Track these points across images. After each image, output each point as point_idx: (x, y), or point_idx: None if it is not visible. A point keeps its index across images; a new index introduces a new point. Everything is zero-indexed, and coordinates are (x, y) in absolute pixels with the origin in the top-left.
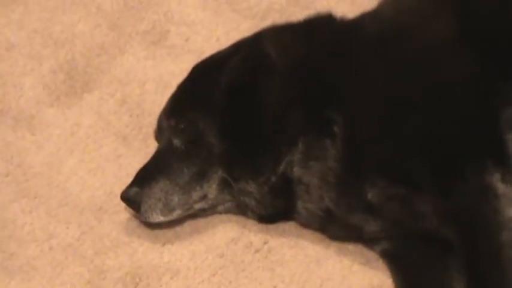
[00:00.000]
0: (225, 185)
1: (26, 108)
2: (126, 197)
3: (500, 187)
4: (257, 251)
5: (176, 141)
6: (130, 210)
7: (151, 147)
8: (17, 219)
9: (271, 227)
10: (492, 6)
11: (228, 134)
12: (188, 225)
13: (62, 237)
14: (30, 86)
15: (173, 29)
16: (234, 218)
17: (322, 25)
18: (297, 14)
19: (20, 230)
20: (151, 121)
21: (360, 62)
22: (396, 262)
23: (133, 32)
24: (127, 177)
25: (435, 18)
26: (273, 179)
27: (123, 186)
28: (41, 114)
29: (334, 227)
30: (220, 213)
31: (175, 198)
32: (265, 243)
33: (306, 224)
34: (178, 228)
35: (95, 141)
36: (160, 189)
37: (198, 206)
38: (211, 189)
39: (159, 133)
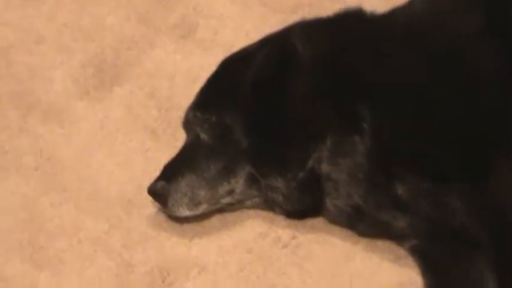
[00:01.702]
0: (252, 181)
1: (56, 102)
2: (153, 191)
3: None
4: (285, 246)
5: (203, 136)
6: (158, 204)
7: (179, 141)
8: (45, 213)
9: (299, 222)
10: None
11: (255, 129)
12: (216, 220)
13: (90, 230)
14: (60, 80)
15: (202, 23)
16: (262, 213)
17: (352, 20)
18: (327, 8)
19: (48, 223)
20: (180, 115)
21: (390, 56)
22: (425, 259)
23: (163, 25)
24: (155, 171)
25: (463, 15)
26: (301, 175)
27: (151, 180)
28: (70, 108)
29: (363, 223)
30: (248, 208)
31: (202, 193)
32: (293, 238)
33: (334, 221)
34: (206, 223)
35: (123, 135)
36: (187, 184)
37: (225, 200)
38: (239, 184)
39: (186, 127)
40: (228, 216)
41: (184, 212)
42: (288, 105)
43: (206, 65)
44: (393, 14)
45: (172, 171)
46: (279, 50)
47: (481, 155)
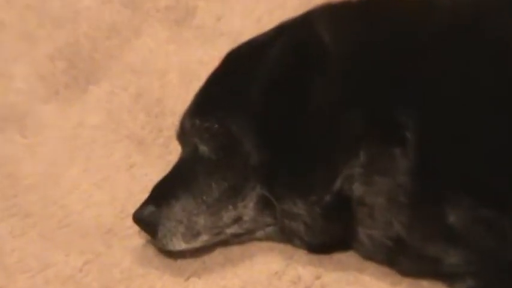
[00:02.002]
0: (265, 205)
1: (16, 104)
2: (140, 218)
3: None
4: None
5: (203, 149)
6: (146, 234)
7: (173, 154)
8: (4, 244)
9: (324, 258)
10: None
11: (269, 140)
12: (219, 255)
13: (60, 267)
14: (22, 76)
15: (202, 5)
16: (277, 246)
17: (389, 4)
18: None
19: (8, 257)
20: (173, 122)
21: (439, 49)
22: None
23: (153, 8)
24: (142, 192)
25: None
26: (327, 198)
27: (137, 204)
28: (34, 112)
29: (406, 259)
30: (259, 240)
31: (201, 221)
32: (317, 278)
33: (369, 255)
34: (206, 258)
35: (102, 147)
36: (183, 209)
37: (230, 230)
38: (248, 209)
39: (182, 137)
40: (234, 250)
41: (179, 245)
42: (311, 110)
43: (207, 59)
44: None
45: (163, 193)
46: (300, 41)
47: None
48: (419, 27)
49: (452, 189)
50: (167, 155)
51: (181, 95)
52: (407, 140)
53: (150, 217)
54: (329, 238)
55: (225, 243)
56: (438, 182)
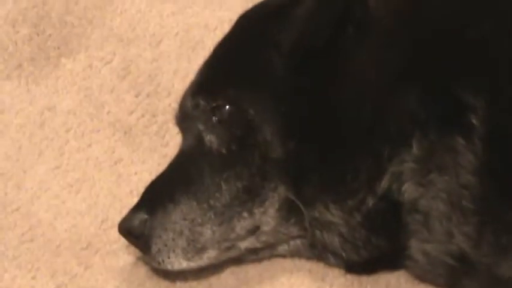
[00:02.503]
0: (290, 212)
1: None
2: (128, 229)
3: None
4: None
5: (210, 138)
6: (136, 249)
7: (169, 146)
8: None
9: (366, 280)
10: None
11: (297, 127)
12: (230, 276)
13: None
14: None
15: None
16: (305, 264)
17: None
18: None
19: None
20: (170, 103)
21: None
22: None
23: None
24: (130, 196)
25: None
26: (370, 202)
27: (124, 211)
28: None
29: (472, 281)
30: (283, 256)
31: (208, 232)
32: None
33: (424, 276)
34: (213, 281)
35: (79, 137)
36: (183, 217)
37: (245, 244)
38: (267, 217)
39: (182, 124)
40: (251, 271)
41: (179, 263)
42: (352, 87)
43: (213, 23)
44: None
45: (158, 197)
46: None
47: None
48: None
49: None
50: (162, 147)
51: (181, 69)
52: (475, 127)
53: (141, 227)
54: (373, 254)
55: (239, 261)
56: None
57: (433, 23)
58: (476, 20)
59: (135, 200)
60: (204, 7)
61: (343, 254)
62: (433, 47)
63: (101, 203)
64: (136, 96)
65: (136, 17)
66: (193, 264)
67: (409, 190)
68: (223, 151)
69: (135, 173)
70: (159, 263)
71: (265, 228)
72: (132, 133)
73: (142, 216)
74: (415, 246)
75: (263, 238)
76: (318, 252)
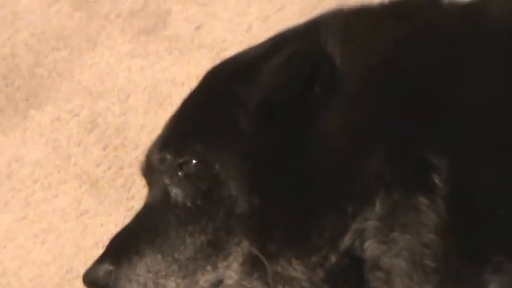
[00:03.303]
0: (253, 266)
1: None
2: (93, 280)
3: None
4: None
5: (176, 191)
6: None
7: (135, 199)
8: None
9: None
10: None
11: (262, 182)
12: None
13: None
14: None
15: (176, 9)
16: None
17: (418, 10)
18: None
19: None
20: (137, 157)
21: (483, 71)
22: None
23: (112, 13)
24: (95, 247)
25: None
26: (333, 259)
27: (89, 262)
28: None
29: None
30: None
31: (171, 284)
32: None
33: None
34: None
35: (46, 188)
36: (148, 269)
37: None
38: (231, 271)
39: (148, 177)
40: None
41: None
42: (317, 145)
43: (181, 78)
44: (485, 4)
45: (123, 248)
46: (304, 57)
47: None
48: (460, 41)
49: (493, 252)
50: (128, 200)
51: (148, 123)
52: (437, 187)
53: (106, 278)
54: None
55: None
56: (475, 243)
57: (397, 85)
58: (441, 83)
59: (100, 251)
60: (172, 63)
61: None
62: (398, 108)
63: (66, 253)
64: (104, 149)
65: (105, 71)
66: None
67: (371, 247)
68: (189, 205)
69: (101, 225)
70: None
71: (229, 281)
72: (99, 185)
73: (107, 267)
74: None
75: None
76: None
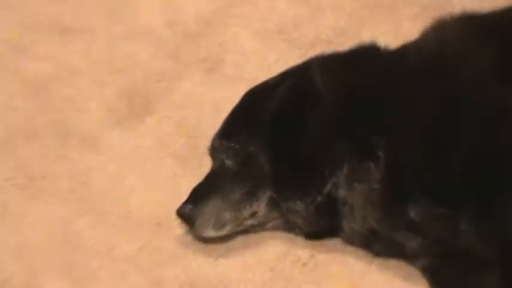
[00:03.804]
0: (273, 204)
1: (91, 130)
2: (181, 213)
3: None
4: (304, 264)
5: (228, 162)
6: (186, 225)
7: (205, 167)
8: (81, 233)
9: (318, 243)
10: None
11: (277, 157)
12: (240, 241)
13: (122, 249)
14: (95, 110)
15: (227, 58)
16: (282, 234)
17: (366, 54)
18: (344, 44)
19: (84, 243)
20: (206, 143)
21: (403, 91)
22: (436, 277)
23: (191, 60)
24: (183, 194)
25: (475, 50)
26: (319, 199)
27: (179, 203)
28: (104, 136)
29: (378, 244)
30: (269, 229)
31: (227, 215)
32: (312, 258)
33: (350, 241)
34: (230, 243)
35: (153, 162)
36: (213, 207)
37: (248, 222)
38: (261, 207)
39: (212, 154)
40: (251, 237)
41: (211, 233)
42: (308, 135)
43: (231, 97)
44: (406, 49)
45: (199, 195)
46: (299, 83)
47: (492, 185)
48: (390, 73)
49: (413, 193)
50: (201, 168)
51: (212, 123)
52: (380, 157)
53: (189, 213)
54: (320, 228)
55: (244, 232)
56: (402, 188)
57: (355, 100)
58: (379, 99)
59: (185, 197)
60: (226, 88)
61: (304, 228)
62: (355, 113)
63: (166, 199)
64: (187, 139)
65: (188, 93)
66: (219, 234)
67: (341, 192)
68: (236, 170)
69: (186, 182)
70: (199, 233)
71: (260, 213)
72: (184, 160)
73: (190, 206)
74: (345, 224)
75: (258, 219)
76: (289, 227)
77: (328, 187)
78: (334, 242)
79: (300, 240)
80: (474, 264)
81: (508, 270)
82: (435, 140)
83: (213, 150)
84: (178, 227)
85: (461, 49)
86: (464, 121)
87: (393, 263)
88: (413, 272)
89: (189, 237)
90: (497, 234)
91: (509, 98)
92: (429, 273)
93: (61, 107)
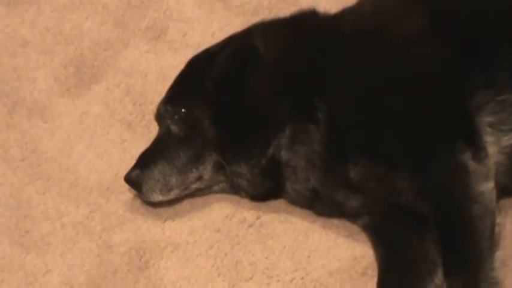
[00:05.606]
0: (219, 167)
1: (39, 99)
2: (129, 179)
3: (471, 164)
4: (250, 225)
5: (174, 128)
6: (134, 190)
7: (153, 132)
8: (31, 200)
9: (262, 204)
10: (457, 3)
11: (221, 120)
12: (187, 203)
13: (72, 215)
14: (43, 79)
15: (172, 26)
16: (228, 196)
17: (306, 20)
18: (285, 10)
19: (34, 209)
20: (153, 109)
21: (340, 53)
22: (376, 234)
23: (136, 28)
24: (131, 160)
25: (406, 15)
26: (263, 161)
27: (128, 169)
28: (52, 104)
29: (320, 204)
30: (215, 192)
31: (173, 180)
32: (257, 218)
33: (294, 202)
34: (177, 206)
35: (102, 128)
36: (160, 172)
37: (194, 186)
38: (206, 171)
39: (159, 120)
40: (198, 200)
41: (158, 197)
42: (250, 99)
43: (176, 64)
44: (343, 15)
45: (146, 160)
46: (241, 48)
47: (425, 141)
48: (328, 37)
49: (352, 153)
50: (148, 133)
51: (158, 90)
52: (320, 119)
53: (136, 178)
54: (265, 190)
55: (191, 195)
56: (342, 148)
57: (296, 63)
58: (318, 61)
59: (133, 162)
60: (170, 55)
61: (249, 191)
62: (296, 75)
63: (114, 165)
64: (134, 105)
65: (134, 61)
66: (166, 197)
67: (284, 154)
68: (181, 135)
69: (134, 148)
70: (147, 198)
71: (206, 177)
72: (132, 126)
73: (137, 171)
74: (288, 185)
75: (204, 182)
76: (235, 189)
77: (271, 150)
78: (279, 203)
79: (246, 202)
80: (412, 220)
81: (443, 225)
82: (367, 100)
83: (159, 116)
84: (126, 192)
85: (393, 14)
86: (394, 80)
87: (336, 221)
88: (355, 229)
89: (138, 202)
90: (432, 191)
91: (437, 57)
92: (370, 230)
93: (9, 77)
